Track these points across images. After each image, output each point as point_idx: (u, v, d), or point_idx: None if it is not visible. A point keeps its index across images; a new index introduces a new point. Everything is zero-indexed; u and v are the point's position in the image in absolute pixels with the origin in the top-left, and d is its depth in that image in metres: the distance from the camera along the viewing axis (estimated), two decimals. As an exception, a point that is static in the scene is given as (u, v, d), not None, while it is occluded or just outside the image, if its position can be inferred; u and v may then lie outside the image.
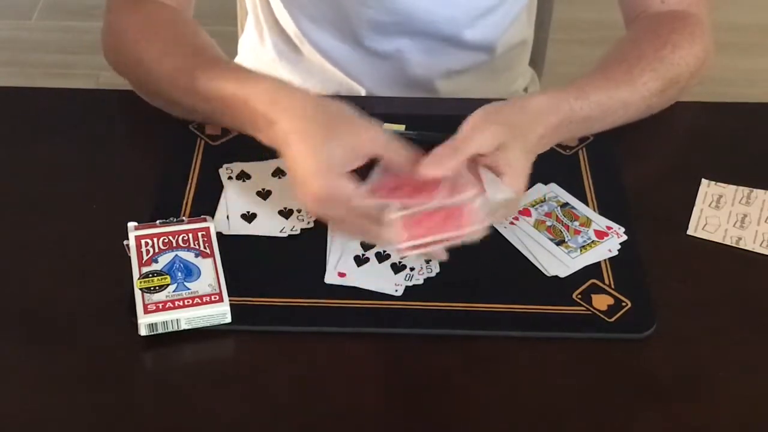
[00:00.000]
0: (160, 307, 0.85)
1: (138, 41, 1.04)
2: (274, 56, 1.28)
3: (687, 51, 1.05)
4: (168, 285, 0.87)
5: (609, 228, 0.95)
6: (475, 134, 0.89)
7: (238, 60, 1.36)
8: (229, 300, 0.86)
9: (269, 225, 0.95)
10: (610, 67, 1.03)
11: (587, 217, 0.96)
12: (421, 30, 1.19)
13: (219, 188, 0.98)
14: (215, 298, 0.86)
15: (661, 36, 1.05)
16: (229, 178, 0.99)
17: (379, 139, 0.90)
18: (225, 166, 1.00)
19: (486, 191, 0.87)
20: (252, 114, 0.93)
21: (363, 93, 1.24)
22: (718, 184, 1.01)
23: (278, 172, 1.00)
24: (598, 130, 1.03)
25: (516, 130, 0.91)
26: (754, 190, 1.01)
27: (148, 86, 1.05)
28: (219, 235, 0.92)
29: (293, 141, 0.89)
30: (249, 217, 0.96)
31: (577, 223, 0.96)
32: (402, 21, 1.17)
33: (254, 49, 1.32)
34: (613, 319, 0.88)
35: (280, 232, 0.94)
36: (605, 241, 0.94)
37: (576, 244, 0.94)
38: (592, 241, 0.94)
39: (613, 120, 1.02)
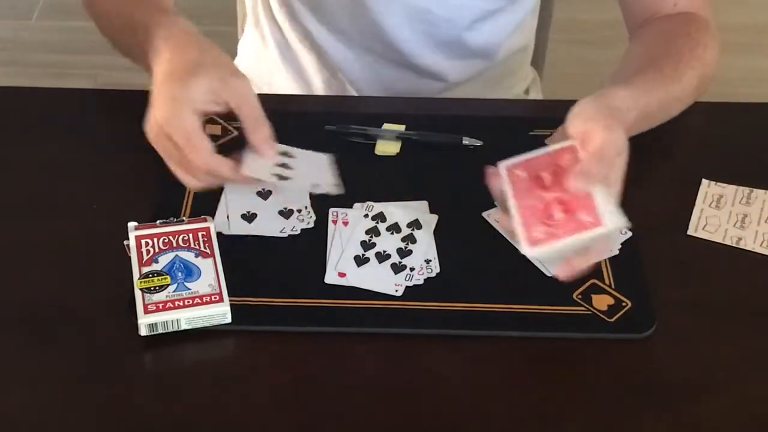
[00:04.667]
0: (160, 307, 0.85)
1: None
2: (276, 56, 1.28)
3: (712, 52, 1.06)
4: (168, 285, 0.87)
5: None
6: (594, 134, 0.85)
7: (237, 62, 1.35)
8: (229, 300, 0.86)
9: (269, 225, 0.95)
10: (661, 64, 1.02)
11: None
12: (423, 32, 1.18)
13: (219, 188, 0.98)
14: (215, 298, 0.86)
15: (692, 36, 1.06)
16: (229, 178, 0.99)
17: (244, 90, 0.89)
18: (225, 166, 1.00)
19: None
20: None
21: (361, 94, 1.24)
22: (719, 184, 1.01)
23: (278, 172, 1.00)
24: (648, 128, 1.00)
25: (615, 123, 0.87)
26: (754, 190, 1.01)
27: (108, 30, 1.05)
28: (219, 235, 0.92)
29: (166, 48, 0.90)
30: (249, 217, 0.96)
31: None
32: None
33: (257, 51, 1.31)
34: (613, 319, 0.88)
35: (280, 232, 0.94)
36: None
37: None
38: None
39: (668, 116, 1.02)
